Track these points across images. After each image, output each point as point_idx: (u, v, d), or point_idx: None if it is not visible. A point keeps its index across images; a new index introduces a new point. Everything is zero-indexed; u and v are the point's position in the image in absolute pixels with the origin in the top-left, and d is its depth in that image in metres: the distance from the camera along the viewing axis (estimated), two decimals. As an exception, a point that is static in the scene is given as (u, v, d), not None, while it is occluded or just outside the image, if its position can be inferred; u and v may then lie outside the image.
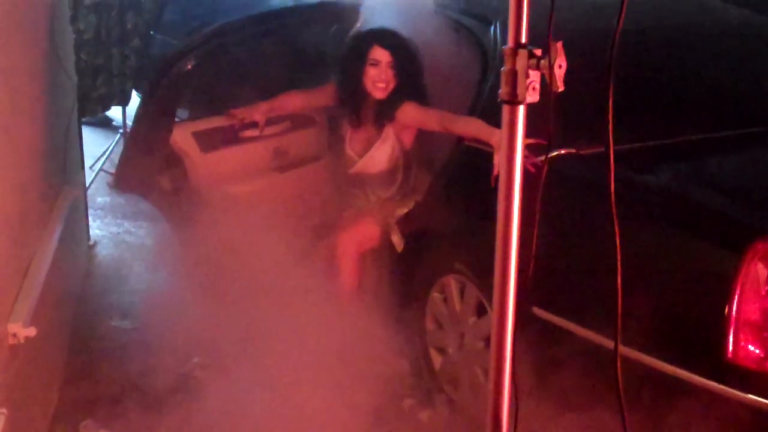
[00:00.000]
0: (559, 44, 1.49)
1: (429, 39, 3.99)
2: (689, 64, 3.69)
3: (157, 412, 3.48)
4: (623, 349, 2.66)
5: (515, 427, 1.70)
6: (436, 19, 4.06)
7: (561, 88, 1.51)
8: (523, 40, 1.53)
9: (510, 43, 1.53)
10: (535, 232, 1.63)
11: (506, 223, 1.57)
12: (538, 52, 1.53)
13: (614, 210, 1.57)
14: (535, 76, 1.52)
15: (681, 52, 3.72)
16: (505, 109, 1.56)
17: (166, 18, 6.80)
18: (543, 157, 1.88)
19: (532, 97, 1.53)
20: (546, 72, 1.50)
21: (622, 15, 1.43)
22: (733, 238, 2.63)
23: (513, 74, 1.53)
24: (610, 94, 1.44)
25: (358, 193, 4.11)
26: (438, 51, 3.99)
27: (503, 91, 1.55)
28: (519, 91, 1.53)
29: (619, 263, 1.59)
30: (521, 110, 1.56)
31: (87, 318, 4.35)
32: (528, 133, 1.59)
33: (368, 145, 4.00)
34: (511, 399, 1.70)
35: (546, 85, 1.53)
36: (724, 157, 3.37)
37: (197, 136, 4.04)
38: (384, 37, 3.91)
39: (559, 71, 1.49)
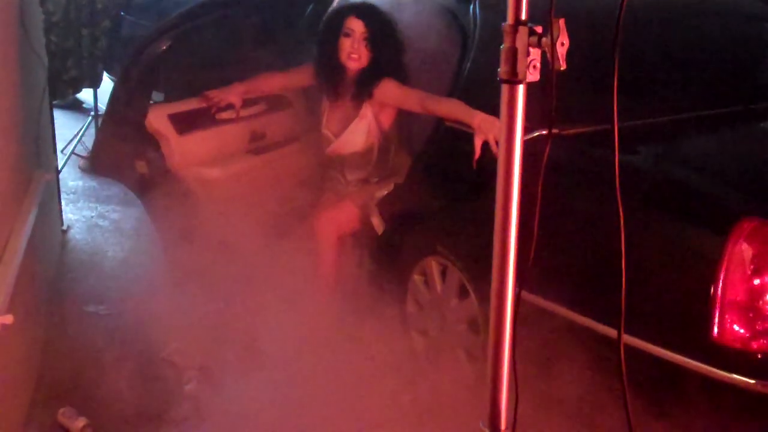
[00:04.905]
0: (561, 21, 1.45)
1: (408, 18, 3.95)
2: (670, 42, 3.67)
3: (136, 398, 3.43)
4: (609, 331, 2.68)
5: (515, 414, 1.67)
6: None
7: (563, 67, 1.46)
8: (523, 16, 1.48)
9: (509, 19, 1.49)
10: (537, 215, 1.59)
11: (505, 205, 1.53)
12: (539, 29, 1.49)
13: (618, 195, 1.54)
14: (535, 54, 1.48)
15: (661, 30, 3.69)
16: (504, 89, 1.51)
17: (136, -2, 6.72)
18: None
19: (533, 75, 1.49)
20: (547, 50, 1.45)
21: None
22: (717, 219, 2.63)
23: (513, 52, 1.49)
24: (616, 75, 1.40)
25: (336, 174, 4.07)
26: (417, 31, 3.94)
27: (502, 69, 1.50)
28: (519, 69, 1.48)
29: (623, 248, 1.56)
30: (521, 89, 1.51)
31: (62, 304, 4.29)
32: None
33: (345, 125, 3.95)
34: (509, 387, 1.66)
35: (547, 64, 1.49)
36: (705, 137, 3.36)
37: (173, 118, 3.98)
38: (361, 8, 3.87)
39: (561, 49, 1.45)
